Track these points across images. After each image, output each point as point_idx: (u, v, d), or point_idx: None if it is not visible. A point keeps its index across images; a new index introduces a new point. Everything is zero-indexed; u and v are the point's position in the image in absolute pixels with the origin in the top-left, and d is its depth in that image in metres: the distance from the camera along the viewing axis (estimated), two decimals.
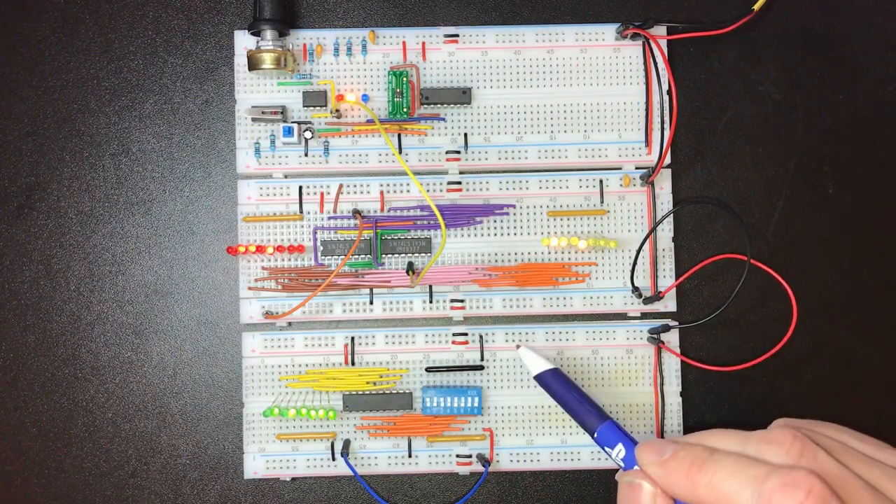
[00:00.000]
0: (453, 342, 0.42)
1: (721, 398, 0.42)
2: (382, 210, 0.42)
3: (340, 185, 0.42)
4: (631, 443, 0.34)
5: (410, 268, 0.41)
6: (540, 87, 0.42)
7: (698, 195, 0.43)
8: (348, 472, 0.41)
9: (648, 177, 0.41)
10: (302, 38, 0.42)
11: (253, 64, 0.40)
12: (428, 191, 0.42)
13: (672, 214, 0.42)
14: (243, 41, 0.42)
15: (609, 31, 0.42)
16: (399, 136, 0.42)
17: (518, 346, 0.41)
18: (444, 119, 0.42)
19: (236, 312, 0.42)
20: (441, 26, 0.42)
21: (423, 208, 0.42)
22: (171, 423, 0.42)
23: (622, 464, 0.34)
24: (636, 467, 0.31)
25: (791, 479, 0.25)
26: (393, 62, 0.42)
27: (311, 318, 0.42)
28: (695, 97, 0.43)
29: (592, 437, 0.36)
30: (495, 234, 0.42)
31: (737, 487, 0.26)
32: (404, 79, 0.42)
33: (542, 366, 0.39)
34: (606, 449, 0.35)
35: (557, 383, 0.38)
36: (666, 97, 0.42)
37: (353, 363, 0.42)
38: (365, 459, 0.42)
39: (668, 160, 0.42)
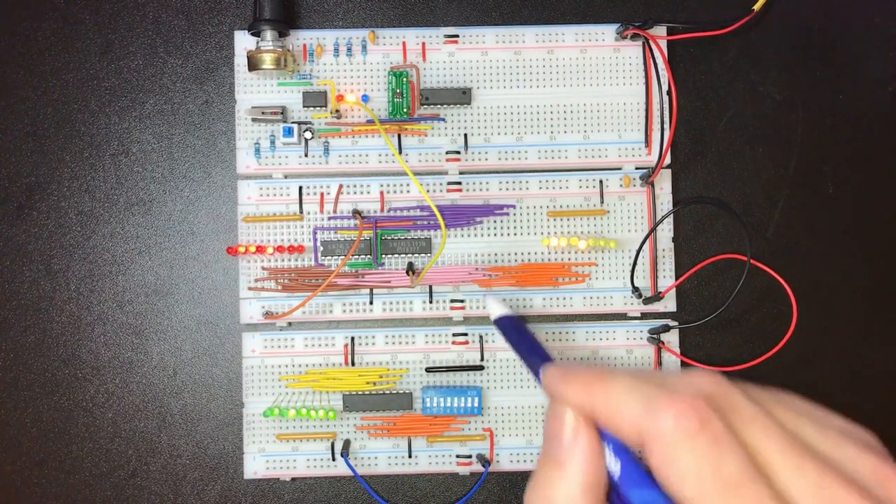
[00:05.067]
0: (453, 342, 0.42)
1: None
2: (382, 210, 0.42)
3: (340, 186, 0.42)
4: None
5: (410, 268, 0.41)
6: (540, 88, 0.42)
7: (698, 195, 0.43)
8: (348, 472, 0.41)
9: (648, 177, 0.41)
10: (302, 38, 0.42)
11: (253, 64, 0.40)
12: (428, 191, 0.42)
13: (672, 214, 0.42)
14: (243, 41, 0.42)
15: (609, 31, 0.42)
16: (399, 136, 0.42)
17: (485, 296, 0.41)
18: (444, 119, 0.42)
19: (236, 312, 0.42)
20: (441, 26, 0.42)
21: (423, 208, 0.42)
22: (171, 423, 0.42)
23: None
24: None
25: (677, 393, 0.27)
26: (393, 62, 0.42)
27: (311, 319, 0.42)
28: (695, 97, 0.43)
29: (538, 382, 0.35)
30: (495, 235, 0.42)
31: (628, 396, 0.28)
32: (404, 79, 0.42)
33: (501, 312, 0.38)
34: None
35: (512, 329, 0.38)
36: (666, 97, 0.42)
37: (353, 363, 0.42)
38: (365, 459, 0.42)
39: (668, 160, 0.42)
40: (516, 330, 0.38)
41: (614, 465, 0.30)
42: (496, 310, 0.39)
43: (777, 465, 0.27)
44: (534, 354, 0.36)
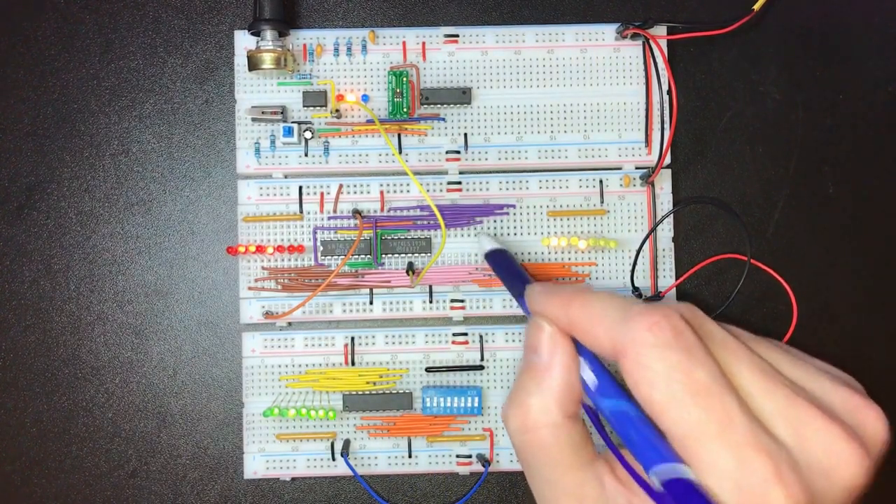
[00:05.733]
0: (453, 342, 0.42)
1: None
2: (382, 210, 0.42)
3: (340, 186, 0.42)
4: None
5: (410, 268, 0.41)
6: (540, 87, 0.42)
7: (698, 195, 0.43)
8: (348, 472, 0.41)
9: (648, 177, 0.41)
10: (302, 38, 0.42)
11: (253, 64, 0.40)
12: (428, 191, 0.42)
13: (672, 214, 0.42)
14: (243, 41, 0.42)
15: (609, 31, 0.42)
16: (399, 136, 0.42)
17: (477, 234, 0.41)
18: (444, 119, 0.42)
19: (236, 312, 0.42)
20: (441, 26, 0.43)
21: (423, 208, 0.42)
22: (171, 423, 0.42)
23: None
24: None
25: (653, 307, 0.28)
26: (393, 62, 0.42)
27: (311, 318, 0.42)
28: (695, 97, 0.43)
29: (521, 305, 0.35)
30: (495, 234, 0.42)
31: (605, 308, 0.29)
32: (404, 79, 0.42)
33: (491, 246, 0.40)
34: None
35: (501, 262, 0.39)
36: (666, 97, 0.42)
37: (353, 363, 0.42)
38: (365, 459, 0.42)
39: (668, 160, 0.42)
40: (505, 262, 0.39)
41: (589, 377, 0.30)
42: (487, 244, 0.40)
43: (747, 387, 0.27)
44: (518, 280, 0.37)
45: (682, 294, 0.42)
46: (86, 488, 0.42)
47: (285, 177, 0.42)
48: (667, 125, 0.41)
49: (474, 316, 0.42)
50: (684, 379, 0.26)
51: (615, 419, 0.29)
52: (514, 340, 0.42)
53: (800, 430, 0.26)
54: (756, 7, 0.42)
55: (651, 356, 0.26)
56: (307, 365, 0.42)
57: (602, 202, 0.42)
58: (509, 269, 0.38)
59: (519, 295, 0.35)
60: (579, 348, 0.31)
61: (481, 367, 0.42)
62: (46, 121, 0.42)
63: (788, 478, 0.24)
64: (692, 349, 0.26)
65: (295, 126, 0.41)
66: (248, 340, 0.42)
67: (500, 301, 0.42)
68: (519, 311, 0.42)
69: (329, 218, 0.42)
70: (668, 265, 0.42)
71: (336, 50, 0.42)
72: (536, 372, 0.30)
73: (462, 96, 0.42)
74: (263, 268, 0.42)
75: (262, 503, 0.42)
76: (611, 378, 0.30)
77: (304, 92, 0.42)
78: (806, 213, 0.43)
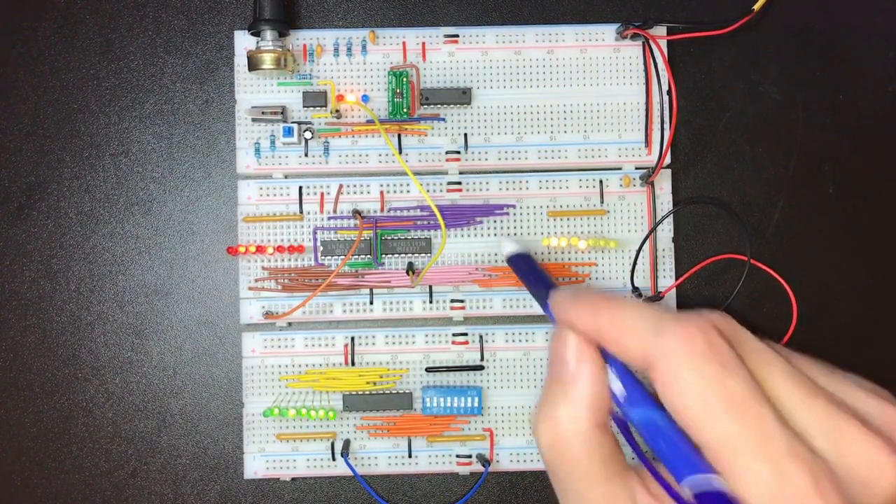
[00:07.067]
0: (453, 342, 0.42)
1: None
2: (382, 210, 0.42)
3: (340, 186, 0.42)
4: None
5: (410, 268, 0.41)
6: (540, 88, 0.42)
7: (698, 195, 0.43)
8: (348, 472, 0.41)
9: (648, 177, 0.41)
10: (302, 38, 0.42)
11: (253, 64, 0.40)
12: (428, 191, 0.42)
13: (672, 214, 0.42)
14: (243, 41, 0.42)
15: (609, 31, 0.42)
16: (399, 136, 0.42)
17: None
18: (444, 119, 0.42)
19: (236, 312, 0.42)
20: (441, 26, 0.43)
21: (423, 208, 0.42)
22: (171, 423, 0.42)
23: None
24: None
25: (685, 317, 0.27)
26: (393, 62, 0.42)
27: (311, 318, 0.42)
28: (695, 97, 0.43)
29: (546, 311, 0.35)
30: (495, 234, 0.42)
31: (635, 318, 0.28)
32: (404, 79, 0.42)
33: (513, 249, 0.39)
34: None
35: (522, 265, 0.38)
36: (666, 97, 0.42)
37: (353, 363, 0.42)
38: (365, 459, 0.42)
39: (668, 160, 0.42)
40: (527, 265, 0.38)
41: (617, 386, 0.29)
42: (508, 247, 0.40)
43: (783, 398, 0.26)
44: (542, 285, 0.36)
45: (682, 294, 0.42)
46: (86, 488, 0.42)
47: (285, 177, 0.42)
48: (667, 125, 0.41)
49: (474, 316, 0.42)
50: (719, 390, 0.25)
51: (645, 429, 0.28)
52: (513, 340, 0.42)
53: (838, 441, 0.25)
54: (756, 7, 0.42)
55: (684, 367, 0.26)
56: (307, 365, 0.42)
57: (602, 202, 0.42)
58: (533, 274, 0.38)
59: (544, 301, 0.35)
60: (606, 357, 0.30)
61: (481, 368, 0.42)
62: (46, 121, 0.42)
63: (827, 489, 0.24)
64: (726, 360, 0.26)
65: (295, 126, 0.41)
66: (248, 340, 0.42)
67: (500, 301, 0.42)
68: (519, 311, 0.42)
69: (329, 218, 0.42)
70: (668, 265, 0.42)
71: (336, 50, 0.42)
72: (563, 383, 0.30)
73: (462, 96, 0.42)
74: (263, 268, 0.42)
75: (262, 503, 0.42)
76: (640, 387, 0.29)
77: (304, 92, 0.42)
78: (806, 213, 0.43)
